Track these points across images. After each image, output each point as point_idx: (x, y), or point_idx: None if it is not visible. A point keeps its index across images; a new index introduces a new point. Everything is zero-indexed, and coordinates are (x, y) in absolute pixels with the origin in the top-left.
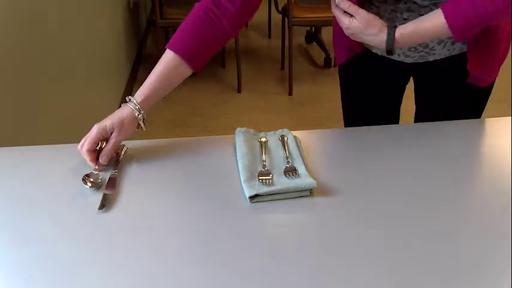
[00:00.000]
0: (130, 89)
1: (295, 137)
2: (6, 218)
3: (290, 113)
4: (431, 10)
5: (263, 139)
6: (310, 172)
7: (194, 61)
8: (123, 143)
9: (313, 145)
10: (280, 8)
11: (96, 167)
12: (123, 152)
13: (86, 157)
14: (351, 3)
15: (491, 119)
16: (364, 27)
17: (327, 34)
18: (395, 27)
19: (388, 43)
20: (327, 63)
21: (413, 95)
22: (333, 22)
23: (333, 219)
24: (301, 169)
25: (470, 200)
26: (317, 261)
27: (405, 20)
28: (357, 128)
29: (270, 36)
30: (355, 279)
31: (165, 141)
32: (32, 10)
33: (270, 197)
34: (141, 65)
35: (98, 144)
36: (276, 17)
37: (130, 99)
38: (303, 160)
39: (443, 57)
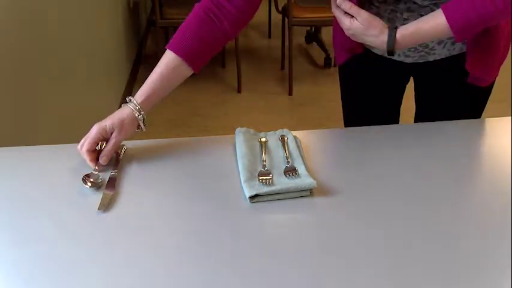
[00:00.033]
0: (130, 89)
1: (295, 137)
2: (6, 218)
3: (290, 113)
4: (431, 10)
5: (263, 139)
6: (310, 172)
7: (194, 62)
8: (123, 143)
9: (313, 145)
10: (280, 8)
11: (96, 168)
12: (123, 152)
13: (86, 157)
14: (352, 4)
15: (491, 119)
16: (365, 28)
17: (327, 34)
18: (396, 28)
19: (389, 44)
20: (327, 63)
21: (414, 94)
22: (333, 22)
23: (333, 219)
24: (301, 169)
25: (470, 200)
26: (317, 261)
27: (405, 20)
28: (357, 128)
29: (270, 36)
30: (355, 279)
31: (165, 141)
32: (32, 10)
33: (270, 197)
34: (141, 65)
35: (98, 144)
36: (276, 17)
37: (130, 100)
38: (303, 160)
39: (443, 57)
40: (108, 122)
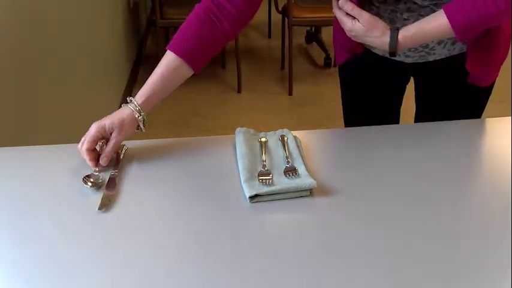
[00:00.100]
0: (130, 89)
1: (295, 137)
2: (6, 218)
3: (290, 113)
4: (432, 10)
5: (263, 139)
6: (310, 172)
7: (195, 62)
8: (123, 143)
9: (313, 145)
10: (280, 8)
11: (96, 168)
12: (123, 152)
13: (86, 156)
14: (354, 6)
15: (491, 119)
16: (367, 29)
17: (327, 34)
18: (398, 29)
19: (391, 45)
20: (327, 63)
21: (414, 94)
22: (333, 22)
23: (333, 219)
24: (301, 169)
25: (470, 200)
26: (317, 261)
27: (405, 21)
28: (357, 128)
29: (270, 36)
30: (355, 279)
31: (165, 141)
32: (32, 10)
33: (270, 197)
34: (141, 65)
35: (98, 145)
36: (276, 17)
37: (131, 100)
38: (303, 160)
39: (443, 57)
40: (107, 121)
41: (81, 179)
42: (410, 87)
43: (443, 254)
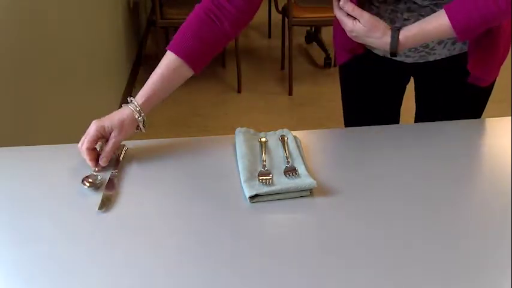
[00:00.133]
0: (130, 89)
1: (295, 137)
2: (6, 218)
3: (290, 113)
4: (432, 10)
5: (263, 139)
6: (310, 172)
7: (195, 63)
8: (123, 143)
9: (313, 145)
10: (280, 8)
11: (96, 168)
12: (123, 152)
13: (86, 156)
14: (355, 6)
15: (491, 119)
16: (368, 30)
17: (327, 34)
18: (399, 29)
19: (393, 46)
20: (327, 63)
21: (414, 94)
22: (334, 22)
23: (333, 219)
24: (301, 169)
25: (470, 200)
26: (317, 261)
27: (405, 20)
28: (357, 128)
29: (270, 36)
30: (355, 279)
31: (165, 141)
32: (32, 10)
33: (270, 197)
34: (141, 65)
35: (98, 143)
36: (276, 17)
37: (131, 101)
38: (303, 160)
39: (443, 57)
40: (107, 121)
41: (81, 181)
42: (411, 87)
43: (443, 254)
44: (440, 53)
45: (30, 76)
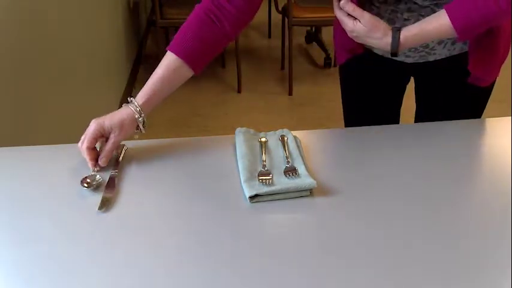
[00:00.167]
0: (130, 89)
1: (295, 137)
2: (6, 218)
3: (290, 113)
4: (432, 10)
5: (263, 139)
6: (310, 172)
7: (195, 63)
8: (123, 142)
9: (313, 145)
10: (280, 8)
11: (96, 169)
12: (123, 152)
13: (86, 156)
14: (355, 6)
15: (491, 119)
16: (368, 30)
17: (327, 34)
18: (400, 30)
19: (393, 46)
20: (327, 63)
21: (414, 94)
22: (334, 22)
23: (333, 219)
24: (301, 169)
25: (470, 200)
26: (317, 261)
27: (405, 21)
28: (357, 128)
29: (270, 36)
30: (355, 279)
31: (165, 141)
32: (32, 10)
33: (270, 197)
34: (141, 65)
35: (97, 143)
36: (276, 17)
37: (131, 101)
38: (303, 160)
39: (443, 57)
40: (107, 120)
41: (80, 182)
42: (411, 87)
43: (443, 254)
44: (440, 53)
45: (30, 76)
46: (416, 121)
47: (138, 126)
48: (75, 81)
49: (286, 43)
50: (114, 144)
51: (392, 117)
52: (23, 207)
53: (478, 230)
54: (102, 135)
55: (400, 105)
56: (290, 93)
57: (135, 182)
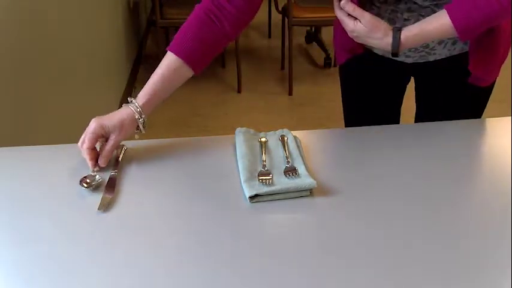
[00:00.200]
0: (130, 89)
1: (295, 137)
2: (6, 218)
3: (290, 113)
4: (432, 11)
5: (263, 139)
6: (310, 172)
7: (195, 63)
8: (123, 143)
9: (313, 145)
10: (280, 8)
11: (96, 169)
12: (123, 152)
13: (86, 155)
14: (356, 6)
15: (491, 119)
16: (369, 30)
17: (327, 34)
18: (400, 30)
19: (394, 46)
20: (327, 63)
21: (414, 94)
22: (334, 22)
23: (333, 219)
24: (301, 169)
25: (470, 200)
26: (317, 261)
27: (406, 21)
28: (357, 128)
29: (270, 36)
30: (355, 279)
31: (165, 141)
32: (32, 10)
33: (270, 197)
34: (141, 65)
35: (97, 143)
36: (276, 17)
37: (132, 101)
38: (303, 160)
39: (443, 57)
40: (107, 120)
41: (79, 182)
42: (411, 87)
43: (443, 254)
44: (441, 53)
45: (30, 76)
46: (416, 121)
47: (138, 126)
48: (75, 81)
49: (286, 43)
50: (114, 145)
51: (392, 117)
52: (23, 207)
53: (478, 230)
54: (102, 135)
55: (400, 105)
56: (290, 93)
57: (135, 182)
